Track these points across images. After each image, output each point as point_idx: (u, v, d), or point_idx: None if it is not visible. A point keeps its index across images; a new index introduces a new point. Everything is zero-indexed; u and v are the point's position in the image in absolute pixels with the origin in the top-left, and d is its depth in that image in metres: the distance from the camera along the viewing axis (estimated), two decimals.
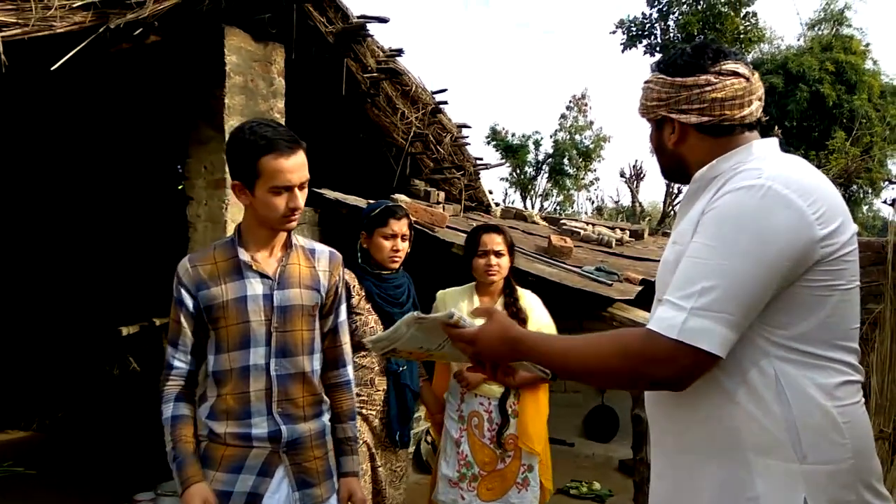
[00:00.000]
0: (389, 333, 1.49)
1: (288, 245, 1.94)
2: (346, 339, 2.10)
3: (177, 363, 1.89)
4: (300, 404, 1.92)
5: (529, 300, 2.98)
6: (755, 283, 1.18)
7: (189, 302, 1.87)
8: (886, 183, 15.28)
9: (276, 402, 1.87)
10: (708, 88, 1.34)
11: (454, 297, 2.98)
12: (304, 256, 1.98)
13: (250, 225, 1.90)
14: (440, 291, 3.06)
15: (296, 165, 1.80)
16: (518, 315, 2.87)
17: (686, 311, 1.18)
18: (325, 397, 2.02)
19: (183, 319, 1.88)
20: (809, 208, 1.20)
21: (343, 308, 2.11)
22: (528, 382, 2.74)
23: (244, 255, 1.88)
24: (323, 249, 2.05)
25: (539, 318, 2.93)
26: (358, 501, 2.01)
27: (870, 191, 16.24)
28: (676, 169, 1.46)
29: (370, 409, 2.68)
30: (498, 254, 2.88)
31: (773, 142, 1.37)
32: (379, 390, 2.70)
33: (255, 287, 1.86)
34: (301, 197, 1.83)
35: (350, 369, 2.10)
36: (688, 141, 1.39)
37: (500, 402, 2.89)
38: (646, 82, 1.44)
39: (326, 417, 2.02)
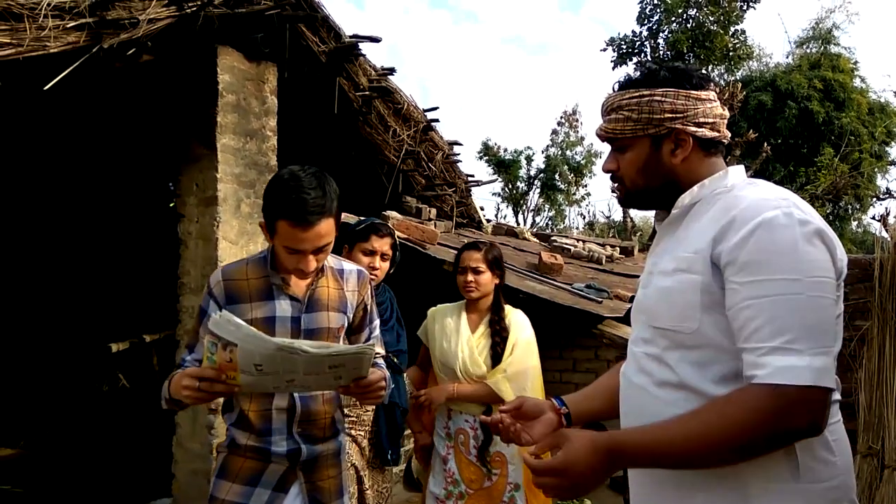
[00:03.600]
0: (249, 332, 1.50)
1: (319, 268, 1.93)
2: (381, 351, 2.15)
3: (186, 365, 1.88)
4: (321, 425, 1.94)
5: (516, 318, 2.98)
6: (833, 308, 1.20)
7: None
8: (874, 199, 15.43)
9: (297, 423, 1.89)
10: (715, 104, 1.38)
11: (443, 314, 3.01)
12: (332, 278, 1.98)
13: None
14: (431, 308, 3.07)
15: (312, 236, 1.73)
16: (500, 333, 2.88)
17: (806, 355, 1.15)
18: (342, 416, 2.06)
19: (202, 330, 1.86)
20: (829, 232, 1.25)
21: (376, 323, 2.15)
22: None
23: (275, 277, 1.89)
24: (351, 269, 2.05)
25: (516, 334, 2.91)
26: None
27: (858, 207, 16.40)
28: (658, 191, 1.42)
29: (359, 430, 2.64)
30: (476, 271, 2.87)
31: (742, 168, 1.42)
32: (368, 410, 2.66)
33: (284, 308, 1.87)
34: (314, 260, 1.80)
35: (382, 373, 1.95)
36: (691, 157, 1.38)
37: (498, 441, 2.83)
38: (643, 95, 1.38)
39: (342, 437, 2.04)
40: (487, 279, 2.90)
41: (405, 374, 2.90)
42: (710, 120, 1.37)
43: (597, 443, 1.23)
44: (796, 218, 1.22)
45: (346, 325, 1.99)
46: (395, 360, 2.71)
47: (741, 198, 1.29)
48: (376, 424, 2.70)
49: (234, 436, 1.91)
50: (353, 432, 2.60)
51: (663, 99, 1.36)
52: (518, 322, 2.97)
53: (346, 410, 2.50)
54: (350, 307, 2.00)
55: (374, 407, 2.67)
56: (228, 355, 1.51)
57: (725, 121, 1.40)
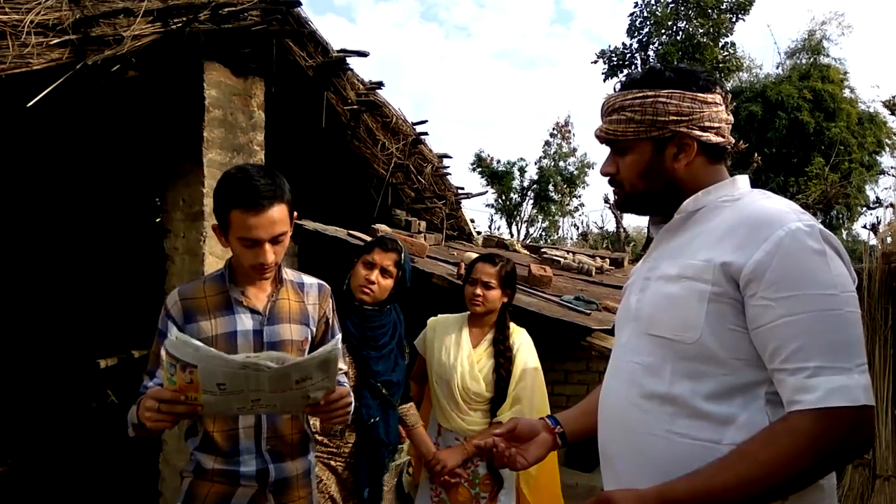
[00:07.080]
0: (210, 352, 1.42)
1: (278, 280, 1.92)
2: (343, 367, 2.11)
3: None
4: (288, 441, 1.90)
5: (521, 339, 2.85)
6: (861, 322, 1.18)
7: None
8: (864, 208, 15.51)
9: (265, 440, 1.85)
10: (721, 108, 1.32)
11: (445, 326, 2.88)
12: (293, 291, 1.96)
13: (239, 262, 1.87)
14: (431, 318, 2.94)
15: (265, 221, 1.71)
16: (504, 353, 2.75)
17: (854, 373, 1.11)
18: (310, 433, 2.01)
19: (162, 352, 1.82)
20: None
21: (338, 337, 2.07)
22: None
23: (234, 291, 1.86)
24: (311, 282, 2.03)
25: (524, 361, 2.79)
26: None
27: (848, 216, 16.49)
28: (659, 196, 1.36)
29: (338, 461, 2.50)
30: (486, 285, 2.75)
31: (747, 177, 1.37)
32: (348, 443, 2.51)
33: (245, 322, 1.84)
34: (272, 252, 1.76)
35: (348, 389, 1.91)
36: (695, 163, 1.32)
37: (490, 464, 2.70)
38: (647, 96, 1.31)
39: (312, 455, 2.00)
40: (496, 296, 2.78)
41: (406, 407, 2.73)
42: (716, 124, 1.31)
43: (645, 501, 1.17)
44: (818, 229, 1.18)
45: (309, 338, 1.96)
46: (385, 391, 2.53)
47: (757, 207, 1.24)
48: (356, 459, 2.53)
49: (200, 460, 1.86)
50: (332, 463, 2.49)
51: (668, 100, 1.29)
52: (525, 345, 2.83)
53: (325, 440, 2.45)
54: (312, 320, 1.97)
55: (353, 440, 2.55)
56: (189, 376, 1.45)
57: (730, 126, 1.35)
